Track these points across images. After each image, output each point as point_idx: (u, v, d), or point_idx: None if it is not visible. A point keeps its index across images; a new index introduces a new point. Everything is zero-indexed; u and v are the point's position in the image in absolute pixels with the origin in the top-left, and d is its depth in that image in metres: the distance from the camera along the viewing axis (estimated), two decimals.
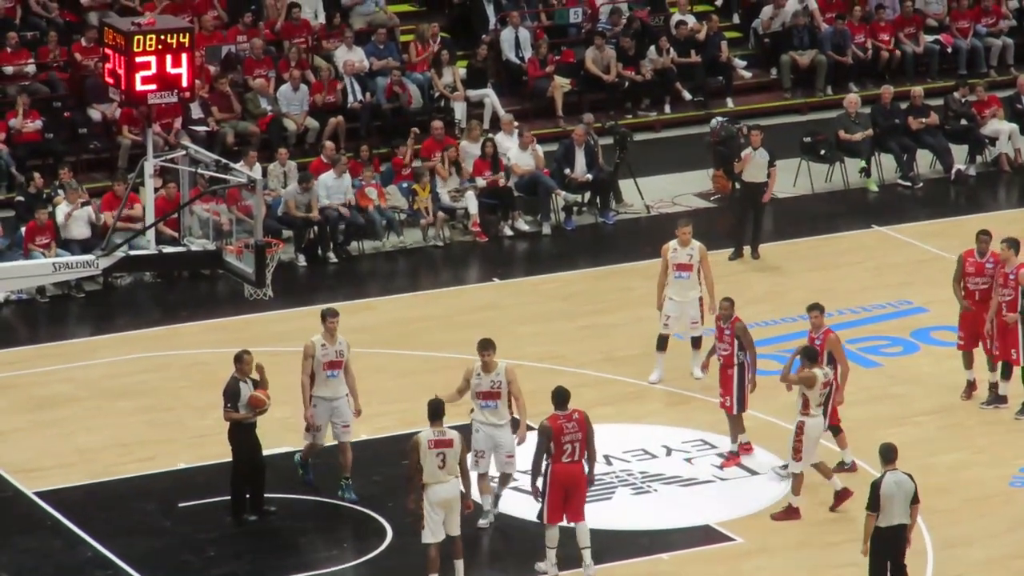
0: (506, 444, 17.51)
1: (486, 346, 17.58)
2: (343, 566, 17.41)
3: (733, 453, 18.98)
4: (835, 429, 18.22)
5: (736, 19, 32.41)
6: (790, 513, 17.37)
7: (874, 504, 14.93)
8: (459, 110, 28.77)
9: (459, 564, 16.31)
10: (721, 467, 19.03)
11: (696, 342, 20.65)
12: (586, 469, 16.49)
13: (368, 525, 17.83)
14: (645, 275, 22.47)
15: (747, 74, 31.44)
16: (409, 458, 16.22)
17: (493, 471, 17.89)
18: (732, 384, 18.78)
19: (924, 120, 27.85)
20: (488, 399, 17.44)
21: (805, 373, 17.09)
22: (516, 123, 28.03)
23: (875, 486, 15.01)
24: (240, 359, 18.17)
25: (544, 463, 16.38)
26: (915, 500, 15.28)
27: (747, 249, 25.04)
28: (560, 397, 16.60)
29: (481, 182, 26.20)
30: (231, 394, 17.88)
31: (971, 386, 19.82)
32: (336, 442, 18.38)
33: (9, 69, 27.85)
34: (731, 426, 18.99)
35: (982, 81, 30.28)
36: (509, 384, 17.38)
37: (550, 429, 16.35)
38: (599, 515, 17.23)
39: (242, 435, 18.05)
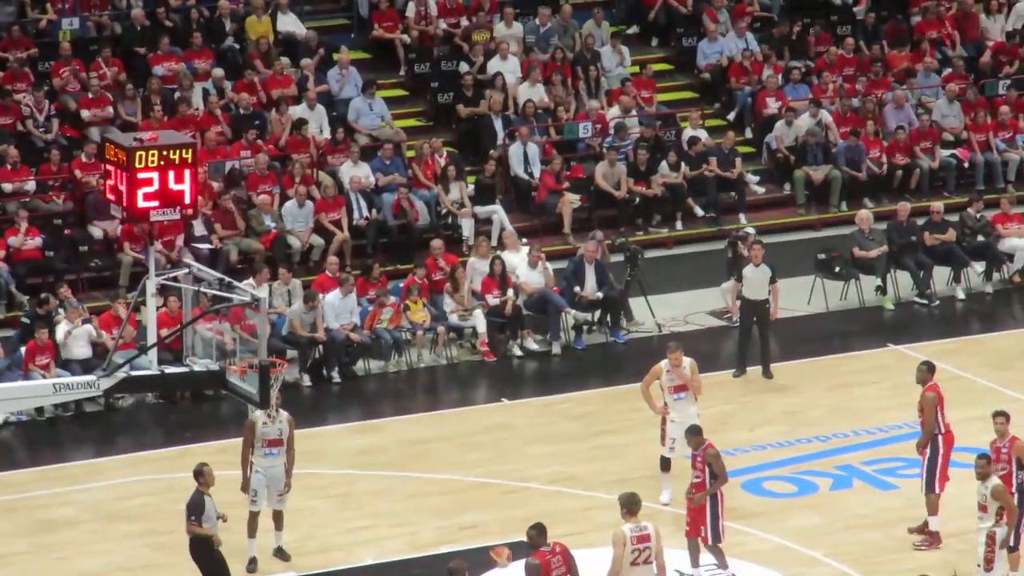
0: None
1: None
2: None
3: None
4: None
5: (749, 133, 32.14)
6: None
7: None
8: (467, 227, 28.68)
9: None
10: None
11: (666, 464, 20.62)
12: None
13: None
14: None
15: (760, 189, 31.17)
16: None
17: None
18: (704, 513, 18.59)
19: (940, 236, 27.55)
20: None
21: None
22: (524, 240, 27.74)
23: None
24: (200, 472, 18.54)
25: None
26: None
27: (759, 369, 24.67)
28: (541, 531, 16.73)
29: (494, 300, 25.85)
30: (195, 507, 18.18)
31: None
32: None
33: (8, 186, 27.64)
34: (694, 552, 18.84)
35: (1010, 195, 30.17)
36: None
37: (539, 566, 16.39)
38: None
39: (202, 551, 18.35)
